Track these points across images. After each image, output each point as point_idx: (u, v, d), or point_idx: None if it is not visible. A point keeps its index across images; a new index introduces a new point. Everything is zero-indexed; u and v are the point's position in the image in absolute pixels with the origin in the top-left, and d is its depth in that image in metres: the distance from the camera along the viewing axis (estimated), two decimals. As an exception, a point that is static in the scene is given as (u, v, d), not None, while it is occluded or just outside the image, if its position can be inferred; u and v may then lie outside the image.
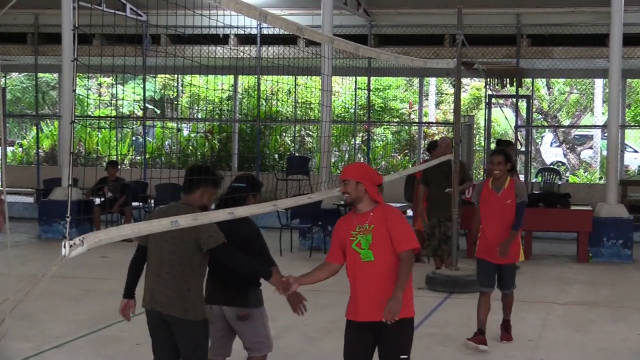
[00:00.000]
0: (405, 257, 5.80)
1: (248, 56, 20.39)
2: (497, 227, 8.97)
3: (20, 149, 29.45)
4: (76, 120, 19.52)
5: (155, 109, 29.71)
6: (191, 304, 5.93)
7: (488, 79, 20.58)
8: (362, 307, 5.86)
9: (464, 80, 27.40)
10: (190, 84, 24.93)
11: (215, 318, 6.43)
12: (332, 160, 23.60)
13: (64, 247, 4.20)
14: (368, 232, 5.86)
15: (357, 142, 25.20)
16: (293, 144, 26.36)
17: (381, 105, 28.56)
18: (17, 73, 30.71)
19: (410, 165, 25.20)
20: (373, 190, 5.96)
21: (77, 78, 5.18)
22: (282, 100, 25.99)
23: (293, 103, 24.51)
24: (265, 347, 6.70)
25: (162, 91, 29.64)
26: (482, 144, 24.62)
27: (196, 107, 27.29)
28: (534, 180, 21.35)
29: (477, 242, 9.29)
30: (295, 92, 23.79)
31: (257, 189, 6.83)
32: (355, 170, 6.11)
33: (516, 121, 22.89)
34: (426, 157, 15.85)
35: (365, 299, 5.86)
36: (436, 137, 29.35)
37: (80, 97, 28.09)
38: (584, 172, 28.56)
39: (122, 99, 25.85)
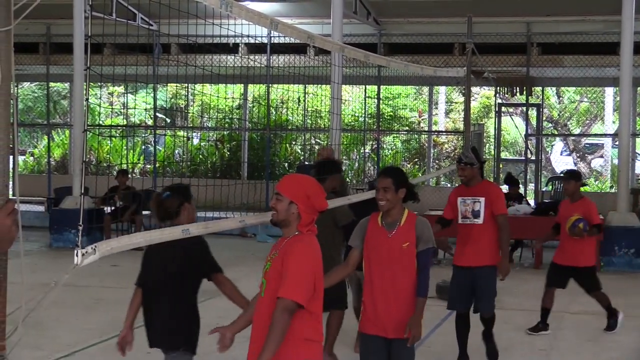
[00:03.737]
0: (279, 308, 4.30)
1: (258, 65, 20.43)
2: (387, 284, 5.85)
3: (31, 157, 29.55)
4: (88, 129, 19.56)
5: (166, 118, 29.75)
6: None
7: (498, 88, 20.60)
8: (250, 356, 4.55)
9: (474, 89, 27.38)
10: (201, 92, 25.00)
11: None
12: (342, 169, 23.57)
13: (77, 255, 4.21)
14: (269, 261, 4.58)
15: (366, 150, 25.23)
16: (303, 153, 26.37)
17: (391, 113, 28.55)
18: (28, 82, 30.84)
19: (420, 174, 25.18)
20: (308, 217, 4.54)
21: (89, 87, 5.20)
22: (292, 109, 26.01)
23: (303, 111, 24.52)
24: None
25: (173, 100, 29.67)
26: (492, 152, 24.59)
27: (206, 116, 27.33)
28: (544, 189, 21.33)
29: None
30: (305, 100, 23.80)
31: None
32: (294, 185, 4.59)
33: (526, 130, 22.88)
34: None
35: (253, 345, 4.55)
36: (445, 146, 29.46)
37: (92, 106, 28.23)
38: (595, 181, 28.46)
39: (133, 108, 25.88)
